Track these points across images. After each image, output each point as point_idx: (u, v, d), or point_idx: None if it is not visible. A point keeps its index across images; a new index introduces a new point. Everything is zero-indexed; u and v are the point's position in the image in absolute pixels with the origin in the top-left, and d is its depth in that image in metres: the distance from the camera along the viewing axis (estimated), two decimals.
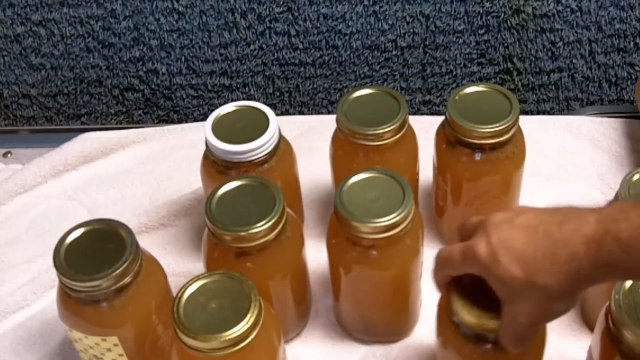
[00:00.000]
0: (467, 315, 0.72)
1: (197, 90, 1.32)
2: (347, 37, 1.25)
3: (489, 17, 1.22)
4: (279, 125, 0.94)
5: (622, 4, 1.20)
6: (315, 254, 0.96)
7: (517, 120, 0.91)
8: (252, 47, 1.27)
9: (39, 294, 1.00)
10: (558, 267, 0.62)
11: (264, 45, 1.27)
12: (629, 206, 0.61)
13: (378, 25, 1.23)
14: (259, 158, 0.91)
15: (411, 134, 0.96)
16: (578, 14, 1.21)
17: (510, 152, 0.92)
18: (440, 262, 0.72)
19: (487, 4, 1.20)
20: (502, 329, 0.69)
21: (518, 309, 0.66)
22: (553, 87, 1.29)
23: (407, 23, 1.23)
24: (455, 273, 0.72)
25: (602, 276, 0.62)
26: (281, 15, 1.23)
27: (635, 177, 0.85)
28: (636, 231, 0.58)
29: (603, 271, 0.61)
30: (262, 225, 0.82)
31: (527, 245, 0.64)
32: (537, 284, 0.63)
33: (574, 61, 1.25)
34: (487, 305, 0.71)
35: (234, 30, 1.25)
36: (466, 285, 0.73)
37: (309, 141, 1.12)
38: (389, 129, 0.91)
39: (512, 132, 0.91)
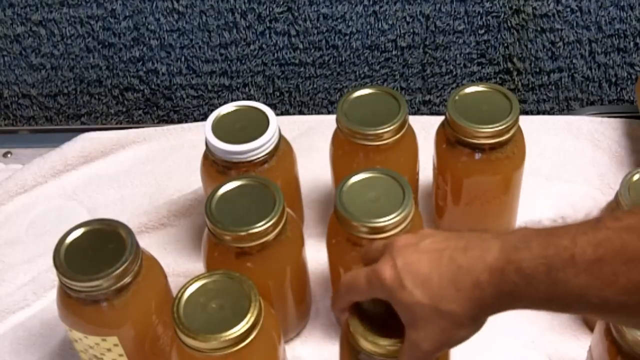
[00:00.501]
0: (365, 341, 0.71)
1: (197, 90, 1.32)
2: (347, 37, 1.25)
3: (489, 17, 1.22)
4: (279, 125, 0.94)
5: (622, 4, 1.20)
6: (315, 254, 0.96)
7: (517, 120, 0.91)
8: (252, 47, 1.27)
9: (39, 294, 1.00)
10: (463, 294, 0.61)
11: (264, 45, 1.27)
12: (531, 234, 0.60)
13: (378, 25, 1.23)
14: (259, 158, 0.91)
15: (411, 134, 0.96)
16: (578, 14, 1.21)
17: (510, 152, 0.92)
18: (345, 288, 0.71)
19: (487, 4, 1.20)
20: (402, 354, 0.68)
21: (421, 334, 0.65)
22: (553, 87, 1.29)
23: (407, 23, 1.23)
24: (360, 299, 0.71)
25: (506, 305, 0.61)
26: (281, 15, 1.23)
27: (635, 177, 0.85)
28: (537, 261, 0.58)
29: (507, 300, 0.61)
30: (262, 225, 0.82)
31: (432, 271, 0.63)
32: (441, 311, 0.63)
33: (574, 61, 1.26)
34: (388, 331, 0.71)
35: (234, 30, 1.25)
36: (366, 312, 0.73)
37: (309, 141, 1.12)
38: (389, 129, 0.91)
39: (512, 132, 0.91)
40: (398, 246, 0.67)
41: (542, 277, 0.57)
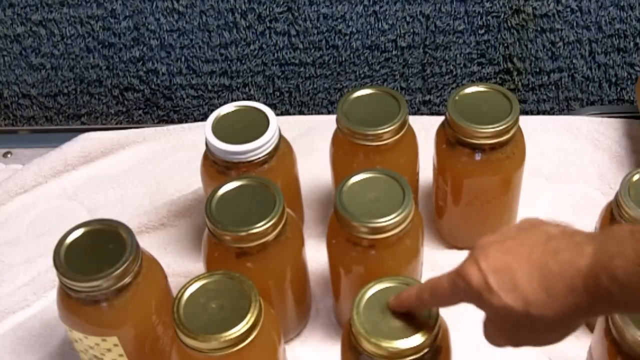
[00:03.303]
0: (367, 343, 0.72)
1: (197, 90, 1.32)
2: (347, 37, 1.25)
3: (489, 17, 1.22)
4: (279, 125, 0.94)
5: (622, 4, 1.20)
6: (315, 254, 0.96)
7: (517, 120, 0.91)
8: (252, 47, 1.27)
9: (39, 294, 1.00)
10: (555, 300, 0.60)
11: (264, 45, 1.27)
12: (626, 238, 0.58)
13: (378, 25, 1.23)
14: (259, 158, 0.91)
15: (411, 134, 0.96)
16: (578, 14, 1.21)
17: (510, 152, 0.92)
18: (429, 294, 0.70)
19: (487, 4, 1.20)
20: (487, 337, 0.68)
21: (507, 334, 0.65)
22: (553, 87, 1.29)
23: (407, 23, 1.23)
24: (444, 305, 0.70)
25: (601, 310, 0.60)
26: (281, 15, 1.23)
27: (635, 177, 0.85)
28: (631, 269, 0.56)
29: (602, 306, 0.59)
30: (262, 226, 0.82)
31: (520, 274, 0.61)
32: (532, 315, 0.61)
33: (574, 61, 1.25)
34: (390, 332, 0.72)
35: (234, 30, 1.25)
36: (368, 313, 0.73)
37: (309, 141, 1.12)
38: (389, 129, 0.91)
39: (512, 132, 0.91)
40: (481, 246, 0.65)
41: (636, 285, 0.56)
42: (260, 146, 0.90)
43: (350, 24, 1.24)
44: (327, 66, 1.28)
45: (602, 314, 0.61)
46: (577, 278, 0.59)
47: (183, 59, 1.28)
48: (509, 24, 1.22)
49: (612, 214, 0.85)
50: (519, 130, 0.93)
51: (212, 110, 0.95)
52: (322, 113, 1.33)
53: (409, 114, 0.94)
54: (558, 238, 0.62)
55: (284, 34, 1.25)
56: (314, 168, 1.07)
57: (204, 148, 0.94)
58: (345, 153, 0.95)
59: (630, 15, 1.20)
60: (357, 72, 1.29)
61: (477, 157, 0.92)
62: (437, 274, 0.99)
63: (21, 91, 1.34)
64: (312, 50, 1.27)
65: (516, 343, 0.66)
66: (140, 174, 1.15)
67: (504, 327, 0.65)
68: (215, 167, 0.93)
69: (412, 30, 1.24)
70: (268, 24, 1.24)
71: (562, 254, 0.60)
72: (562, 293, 0.60)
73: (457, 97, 0.93)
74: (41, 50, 1.29)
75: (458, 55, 1.26)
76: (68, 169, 1.15)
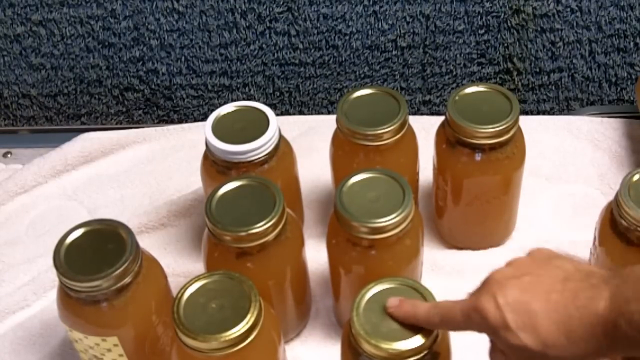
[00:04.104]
0: (367, 344, 0.71)
1: (197, 90, 1.32)
2: (347, 37, 1.25)
3: (489, 17, 1.22)
4: (279, 125, 0.94)
5: (622, 4, 1.20)
6: (315, 254, 0.96)
7: (517, 120, 0.91)
8: (252, 47, 1.27)
9: (39, 294, 1.00)
10: (575, 345, 0.60)
11: (264, 45, 1.27)
12: (638, 279, 0.58)
13: (378, 25, 1.23)
14: (259, 158, 0.91)
15: (411, 134, 0.96)
16: (578, 14, 1.21)
17: (510, 152, 0.92)
18: (440, 319, 0.70)
19: (487, 4, 1.20)
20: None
21: None
22: (553, 87, 1.29)
23: (407, 23, 1.23)
24: (453, 330, 0.70)
25: (621, 352, 0.60)
26: (281, 15, 1.23)
27: (635, 177, 0.85)
28: None
29: (622, 349, 0.60)
30: (262, 226, 0.82)
31: (540, 316, 0.61)
32: (550, 357, 0.61)
33: (574, 61, 1.25)
34: (390, 334, 0.72)
35: (234, 30, 1.25)
36: (368, 314, 0.73)
37: (309, 141, 1.12)
38: (389, 129, 0.91)
39: (512, 132, 0.91)
40: (498, 280, 0.65)
41: None
42: (260, 146, 0.90)
43: (350, 24, 1.24)
44: (327, 66, 1.28)
45: (621, 354, 0.61)
46: (596, 325, 0.59)
47: (183, 59, 1.28)
48: (509, 24, 1.22)
49: (612, 214, 0.85)
50: (519, 130, 0.93)
51: (212, 110, 0.95)
52: (322, 113, 1.33)
53: (409, 114, 0.94)
54: (575, 279, 0.62)
55: (284, 34, 1.25)
56: (314, 168, 1.07)
57: (204, 148, 0.94)
58: (345, 153, 0.95)
59: (630, 15, 1.20)
60: (357, 72, 1.29)
61: (477, 157, 0.92)
62: (437, 274, 0.99)
63: (21, 91, 1.34)
64: (312, 50, 1.27)
65: None
66: (140, 174, 1.14)
67: None
68: (215, 167, 0.93)
69: (412, 30, 1.24)
70: (268, 24, 1.24)
71: (581, 298, 0.61)
72: (582, 339, 0.60)
73: (457, 97, 0.93)
74: (41, 50, 1.29)
75: (458, 55, 1.26)
76: (68, 169, 1.15)
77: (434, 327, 0.72)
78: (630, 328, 0.57)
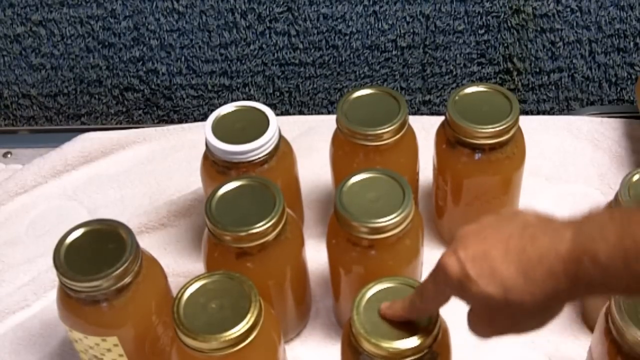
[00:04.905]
0: (367, 343, 0.72)
1: (197, 90, 1.32)
2: (347, 37, 1.25)
3: (489, 17, 1.22)
4: (279, 125, 0.94)
5: (622, 4, 1.20)
6: (315, 254, 0.96)
7: (517, 120, 0.91)
8: (252, 47, 1.27)
9: (39, 294, 1.00)
10: (534, 284, 0.60)
11: (264, 45, 1.27)
12: (605, 221, 0.58)
13: (378, 25, 1.23)
14: (259, 158, 0.91)
15: (411, 134, 0.96)
16: (578, 14, 1.21)
17: (510, 152, 0.92)
18: (418, 297, 0.70)
19: (487, 4, 1.20)
20: (471, 329, 0.68)
21: (487, 323, 0.65)
22: (553, 87, 1.29)
23: (407, 23, 1.23)
24: (436, 305, 0.70)
25: (581, 293, 0.60)
26: (281, 15, 1.23)
27: (635, 177, 0.85)
28: (614, 252, 0.56)
29: (583, 289, 0.59)
30: (262, 226, 0.82)
31: (499, 261, 0.61)
32: (511, 302, 0.61)
33: (574, 61, 1.26)
34: (390, 333, 0.72)
35: (234, 30, 1.25)
36: (369, 313, 0.73)
37: (309, 141, 1.12)
38: (389, 129, 0.91)
39: (512, 132, 0.91)
40: (460, 236, 0.65)
41: (619, 268, 0.56)
42: (260, 146, 0.90)
43: (350, 24, 1.24)
44: (327, 66, 1.28)
45: (582, 297, 0.60)
46: (556, 263, 0.59)
47: (183, 59, 1.28)
48: (509, 24, 1.22)
49: None
50: (519, 130, 0.93)
51: (212, 110, 0.95)
52: (322, 113, 1.33)
53: (409, 114, 0.94)
54: (535, 225, 0.62)
55: (284, 34, 1.25)
56: (314, 168, 1.07)
57: (204, 148, 0.94)
58: (345, 153, 0.95)
59: (630, 15, 1.20)
60: (357, 72, 1.29)
61: (477, 157, 0.92)
62: None
63: (21, 91, 1.34)
64: (312, 50, 1.27)
65: (498, 332, 0.66)
66: (140, 174, 1.14)
67: (485, 316, 0.65)
68: (215, 167, 0.93)
69: (412, 30, 1.24)
70: (268, 24, 1.24)
71: (540, 240, 0.60)
72: (541, 278, 0.60)
73: (457, 97, 0.93)
74: (41, 50, 1.29)
75: (458, 55, 1.26)
76: (68, 169, 1.15)
77: (420, 312, 0.71)
78: (594, 267, 0.57)
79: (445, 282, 0.65)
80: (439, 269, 0.65)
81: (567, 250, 0.58)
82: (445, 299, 0.68)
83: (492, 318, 0.64)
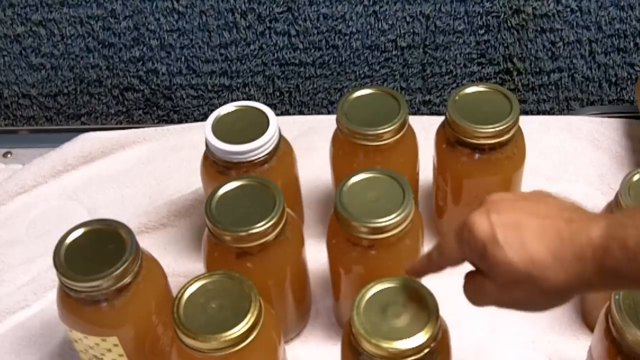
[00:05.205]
0: (367, 343, 0.72)
1: (197, 90, 1.32)
2: (347, 37, 1.25)
3: (489, 17, 1.22)
4: (279, 125, 0.94)
5: (622, 4, 1.20)
6: (315, 254, 0.96)
7: (517, 120, 0.91)
8: (252, 47, 1.27)
9: (39, 294, 1.00)
10: (561, 265, 0.59)
11: (264, 45, 1.27)
12: (637, 208, 0.59)
13: (378, 25, 1.23)
14: (259, 158, 0.91)
15: (411, 134, 0.96)
16: (578, 14, 1.21)
17: (510, 152, 0.92)
18: (436, 252, 0.69)
19: (487, 4, 1.20)
20: (470, 292, 0.67)
21: (496, 292, 0.64)
22: (553, 87, 1.29)
23: (407, 23, 1.23)
24: (451, 263, 0.68)
25: (605, 282, 0.60)
26: (281, 15, 1.23)
27: (635, 177, 0.85)
28: None
29: (607, 278, 0.59)
30: (262, 226, 0.82)
31: (530, 234, 0.61)
32: (534, 277, 0.60)
33: (574, 61, 1.26)
34: (390, 333, 0.72)
35: (234, 30, 1.25)
36: (368, 313, 0.74)
37: (309, 141, 1.12)
38: (389, 129, 0.91)
39: (512, 132, 0.91)
40: (493, 200, 0.64)
41: None
42: (260, 146, 0.90)
43: (350, 24, 1.24)
44: (327, 66, 1.28)
45: (605, 288, 0.60)
46: (586, 247, 0.59)
47: (183, 59, 1.28)
48: (509, 24, 1.22)
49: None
50: (519, 130, 0.93)
51: (212, 110, 0.95)
52: (322, 113, 1.33)
53: (409, 114, 0.94)
54: (572, 210, 0.62)
55: (284, 34, 1.25)
56: (314, 168, 1.07)
57: (204, 148, 0.94)
58: (345, 153, 0.95)
59: (630, 15, 1.20)
60: (357, 72, 1.29)
61: (477, 157, 0.92)
62: (437, 274, 0.98)
63: (21, 91, 1.34)
64: (312, 50, 1.27)
65: (503, 302, 0.65)
66: (140, 174, 1.14)
67: (497, 283, 0.64)
68: (215, 167, 0.93)
69: (412, 30, 1.24)
70: (268, 24, 1.24)
71: (576, 224, 0.60)
72: (569, 259, 0.59)
73: (457, 97, 0.93)
74: (41, 50, 1.29)
75: (458, 55, 1.26)
76: (68, 169, 1.15)
77: (437, 266, 0.70)
78: (621, 252, 0.57)
79: (468, 240, 0.64)
80: (466, 225, 0.64)
81: (598, 236, 0.58)
82: (460, 260, 0.67)
83: (504, 287, 0.63)
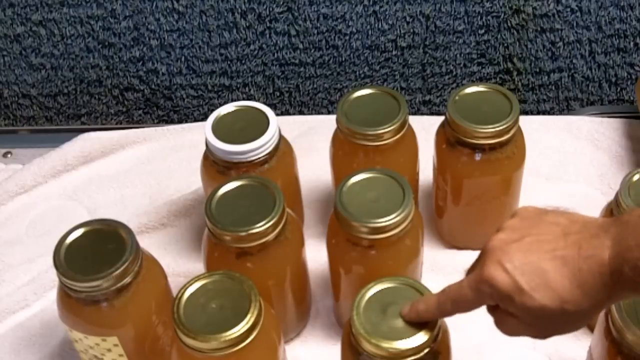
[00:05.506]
0: (367, 343, 0.72)
1: (197, 90, 1.32)
2: (347, 37, 1.25)
3: (489, 17, 1.22)
4: (279, 125, 0.94)
5: (622, 4, 1.20)
6: (315, 254, 0.96)
7: (517, 120, 0.91)
8: (252, 47, 1.27)
9: (39, 294, 1.00)
10: (589, 295, 0.60)
11: (264, 45, 1.27)
12: (637, 223, 0.59)
13: (378, 25, 1.23)
14: (259, 158, 0.91)
15: (411, 134, 0.96)
16: (578, 14, 1.21)
17: (510, 152, 0.92)
18: (451, 302, 0.69)
19: (487, 4, 1.20)
20: (503, 328, 0.68)
21: (530, 327, 0.65)
22: (553, 87, 1.29)
23: (407, 23, 1.23)
24: (467, 311, 0.69)
25: (626, 297, 0.62)
26: (281, 15, 1.23)
27: (635, 177, 0.85)
28: None
29: (627, 294, 0.61)
30: (262, 226, 0.82)
31: (551, 274, 0.61)
32: (568, 312, 0.61)
33: (574, 61, 1.25)
34: (390, 333, 0.72)
35: (234, 30, 1.25)
36: (368, 313, 0.73)
37: (309, 141, 1.12)
38: (389, 129, 0.91)
39: (512, 132, 0.91)
40: (498, 247, 0.64)
41: None
42: (260, 146, 0.90)
43: (350, 24, 1.24)
44: (327, 66, 1.28)
45: (625, 299, 0.63)
46: (605, 274, 0.60)
47: (183, 59, 1.28)
48: (509, 24, 1.22)
49: (612, 214, 0.85)
50: (519, 130, 0.93)
51: (212, 110, 0.95)
52: (322, 113, 1.33)
53: (409, 114, 0.94)
54: (574, 231, 0.63)
55: (284, 34, 1.25)
56: (314, 168, 1.07)
57: (204, 148, 0.94)
58: (345, 153, 0.95)
59: (630, 15, 1.20)
60: (357, 72, 1.29)
61: (477, 157, 0.92)
62: (437, 274, 0.99)
63: (21, 91, 1.34)
64: (312, 50, 1.27)
65: (545, 336, 0.66)
66: (140, 174, 1.14)
67: (534, 324, 0.65)
68: (215, 167, 0.93)
69: (412, 30, 1.24)
70: (268, 24, 1.24)
71: (585, 249, 0.61)
72: (595, 289, 0.60)
73: (457, 97, 0.93)
74: (41, 50, 1.29)
75: (458, 55, 1.26)
76: (68, 169, 1.15)
77: (448, 315, 0.71)
78: (635, 274, 0.58)
79: (491, 295, 0.64)
80: (485, 282, 0.64)
81: (609, 259, 0.59)
82: (480, 306, 0.68)
83: (542, 326, 0.64)
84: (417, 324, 0.72)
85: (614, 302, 0.63)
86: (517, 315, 0.65)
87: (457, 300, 0.68)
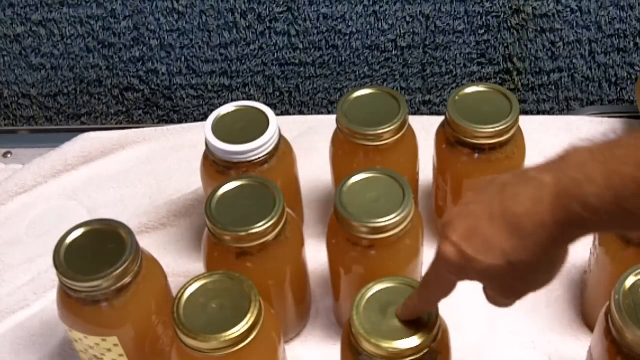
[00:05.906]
0: (367, 343, 0.72)
1: (197, 90, 1.32)
2: (347, 37, 1.25)
3: (489, 17, 1.22)
4: (279, 125, 0.94)
5: (622, 4, 1.20)
6: (315, 254, 0.96)
7: (517, 120, 0.91)
8: (252, 47, 1.27)
9: (39, 294, 1.00)
10: (528, 240, 0.59)
11: (264, 45, 1.27)
12: (586, 160, 0.57)
13: (378, 25, 1.23)
14: (259, 158, 0.91)
15: (411, 134, 0.96)
16: (578, 14, 1.21)
17: (510, 152, 0.92)
18: (423, 291, 0.70)
19: (487, 4, 1.20)
20: (492, 301, 0.68)
21: (504, 291, 0.64)
22: (553, 87, 1.29)
23: (407, 23, 1.23)
24: (444, 294, 0.69)
25: (576, 236, 0.59)
26: (281, 15, 1.23)
27: None
28: (603, 194, 0.54)
29: (576, 231, 0.58)
30: (262, 226, 0.82)
31: (489, 231, 0.60)
32: (514, 264, 0.60)
33: (574, 61, 1.26)
34: (390, 332, 0.72)
35: (234, 30, 1.25)
36: (368, 313, 0.73)
37: (309, 141, 1.12)
38: (389, 129, 0.91)
39: (512, 132, 0.91)
40: (446, 221, 0.64)
41: (611, 209, 0.55)
42: (260, 146, 0.90)
43: (350, 24, 1.24)
44: (327, 66, 1.28)
45: (579, 238, 0.59)
46: (544, 213, 0.58)
47: (183, 59, 1.28)
48: (509, 24, 1.22)
49: None
50: (519, 130, 0.93)
51: (212, 110, 0.95)
52: (322, 113, 1.33)
53: (409, 114, 0.94)
54: (512, 182, 0.61)
55: (284, 34, 1.25)
56: (314, 168, 1.07)
57: (204, 148, 0.94)
58: (345, 153, 0.95)
59: (630, 15, 1.21)
60: (357, 72, 1.29)
61: (477, 157, 0.92)
62: None
63: (21, 91, 1.34)
64: (312, 50, 1.27)
65: (516, 296, 0.65)
66: (140, 174, 1.14)
67: (497, 287, 0.64)
68: (215, 167, 0.93)
69: (412, 30, 1.24)
70: (268, 24, 1.24)
71: (522, 195, 0.59)
72: (533, 232, 0.59)
73: (457, 97, 0.93)
74: (41, 50, 1.29)
75: (458, 55, 1.26)
76: (68, 169, 1.15)
77: (431, 302, 0.71)
78: (584, 210, 0.56)
79: (448, 270, 0.64)
80: (439, 260, 0.65)
81: (552, 197, 0.57)
82: (452, 286, 0.67)
83: (504, 286, 0.64)
84: (416, 324, 0.72)
85: (560, 245, 0.60)
86: (485, 285, 0.65)
87: (428, 284, 0.69)
